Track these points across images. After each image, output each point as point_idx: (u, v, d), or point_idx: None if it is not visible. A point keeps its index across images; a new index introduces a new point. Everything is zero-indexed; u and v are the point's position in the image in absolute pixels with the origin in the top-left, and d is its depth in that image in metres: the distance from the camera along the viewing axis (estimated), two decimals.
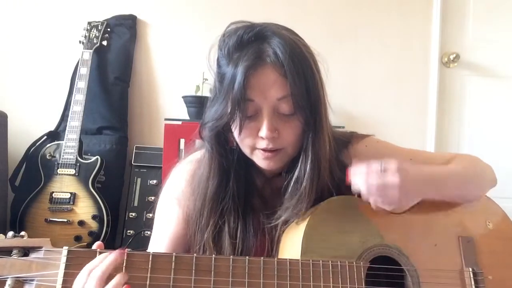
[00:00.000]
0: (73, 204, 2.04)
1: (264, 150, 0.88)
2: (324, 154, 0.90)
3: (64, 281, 0.68)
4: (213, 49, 0.91)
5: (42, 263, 0.69)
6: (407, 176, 0.84)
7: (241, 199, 0.96)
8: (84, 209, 2.04)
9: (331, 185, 0.93)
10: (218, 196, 0.94)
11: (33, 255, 0.70)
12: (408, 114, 2.51)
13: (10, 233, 0.71)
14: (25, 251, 0.70)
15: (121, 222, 2.24)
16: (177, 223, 0.98)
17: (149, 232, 2.11)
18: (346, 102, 2.45)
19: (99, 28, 2.31)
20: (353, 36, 2.48)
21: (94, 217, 2.02)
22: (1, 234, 0.72)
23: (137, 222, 2.19)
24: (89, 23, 2.32)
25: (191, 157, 1.03)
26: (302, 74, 0.84)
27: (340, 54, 2.46)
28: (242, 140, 0.89)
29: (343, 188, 0.97)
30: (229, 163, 0.95)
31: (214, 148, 0.93)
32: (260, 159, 0.90)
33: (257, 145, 0.88)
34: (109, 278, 0.69)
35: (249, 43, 0.86)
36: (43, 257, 0.69)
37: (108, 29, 2.35)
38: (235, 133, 0.89)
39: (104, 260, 0.70)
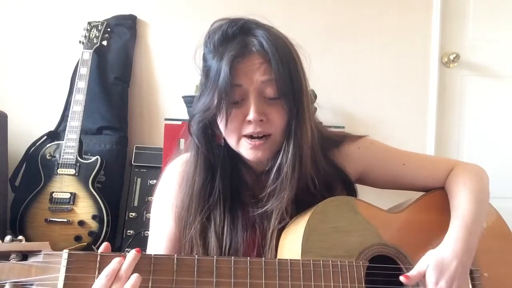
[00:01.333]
0: (73, 204, 2.04)
1: (251, 138, 0.89)
2: (307, 142, 0.92)
3: (65, 285, 0.67)
4: (199, 50, 0.94)
5: (41, 267, 0.68)
6: (452, 272, 0.85)
7: (228, 196, 0.96)
8: (84, 209, 2.03)
9: (316, 177, 0.95)
10: (204, 192, 0.95)
11: (32, 259, 0.69)
12: (408, 114, 2.50)
13: (8, 237, 0.70)
14: (24, 255, 0.69)
15: (121, 222, 2.24)
16: (172, 226, 0.98)
17: (149, 232, 2.12)
18: (346, 102, 2.45)
19: (99, 28, 2.31)
20: (353, 36, 2.48)
21: (94, 217, 2.02)
22: None
23: (137, 222, 2.19)
24: (89, 23, 2.32)
25: (182, 158, 1.04)
26: (285, 62, 0.87)
27: (340, 54, 2.46)
28: (229, 129, 0.89)
29: (330, 183, 0.98)
30: (215, 159, 0.95)
31: (201, 143, 0.94)
32: (247, 149, 0.91)
33: (245, 131, 0.89)
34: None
35: (234, 36, 0.88)
36: (42, 261, 0.68)
37: (108, 29, 2.34)
38: (222, 125, 0.90)
39: (126, 261, 0.70)
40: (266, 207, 0.93)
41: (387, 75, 2.48)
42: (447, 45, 2.50)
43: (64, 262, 0.68)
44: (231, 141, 0.92)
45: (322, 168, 0.97)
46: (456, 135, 2.53)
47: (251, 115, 0.86)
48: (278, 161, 0.92)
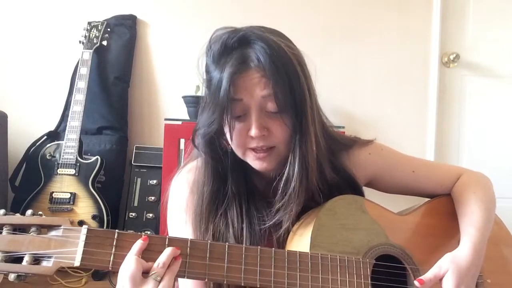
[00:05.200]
0: (73, 204, 2.04)
1: (256, 150, 0.89)
2: (312, 155, 0.90)
3: (82, 259, 0.70)
4: (202, 58, 0.92)
5: (60, 241, 0.70)
6: (470, 278, 0.88)
7: (243, 200, 0.96)
8: (84, 209, 2.03)
9: (323, 185, 0.94)
10: (214, 201, 0.95)
11: (51, 233, 0.71)
12: (408, 114, 2.51)
13: (29, 211, 0.73)
14: (44, 229, 0.72)
15: (121, 222, 2.24)
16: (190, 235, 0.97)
17: (149, 232, 2.12)
18: (346, 102, 2.46)
19: (99, 28, 2.31)
20: (353, 36, 2.49)
21: (94, 217, 2.01)
22: (18, 214, 0.73)
23: (137, 222, 2.19)
24: (89, 23, 2.33)
25: (190, 165, 1.03)
26: (285, 75, 0.84)
27: (340, 54, 2.47)
28: (234, 142, 0.89)
29: (339, 189, 0.98)
30: (224, 167, 0.95)
31: (208, 155, 0.94)
32: (253, 161, 0.91)
33: (249, 145, 0.89)
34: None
35: (233, 49, 0.86)
36: (62, 235, 0.71)
37: (108, 29, 2.35)
38: (228, 137, 0.89)
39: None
40: (275, 219, 0.92)
41: (387, 75, 2.49)
42: (447, 45, 2.51)
43: (83, 237, 0.71)
44: (238, 153, 0.92)
45: (330, 176, 0.97)
46: (456, 135, 2.54)
47: (253, 131, 0.85)
48: (285, 175, 0.91)
